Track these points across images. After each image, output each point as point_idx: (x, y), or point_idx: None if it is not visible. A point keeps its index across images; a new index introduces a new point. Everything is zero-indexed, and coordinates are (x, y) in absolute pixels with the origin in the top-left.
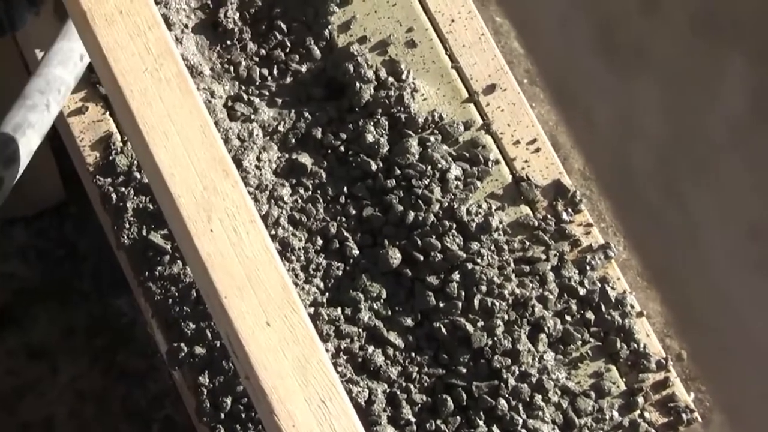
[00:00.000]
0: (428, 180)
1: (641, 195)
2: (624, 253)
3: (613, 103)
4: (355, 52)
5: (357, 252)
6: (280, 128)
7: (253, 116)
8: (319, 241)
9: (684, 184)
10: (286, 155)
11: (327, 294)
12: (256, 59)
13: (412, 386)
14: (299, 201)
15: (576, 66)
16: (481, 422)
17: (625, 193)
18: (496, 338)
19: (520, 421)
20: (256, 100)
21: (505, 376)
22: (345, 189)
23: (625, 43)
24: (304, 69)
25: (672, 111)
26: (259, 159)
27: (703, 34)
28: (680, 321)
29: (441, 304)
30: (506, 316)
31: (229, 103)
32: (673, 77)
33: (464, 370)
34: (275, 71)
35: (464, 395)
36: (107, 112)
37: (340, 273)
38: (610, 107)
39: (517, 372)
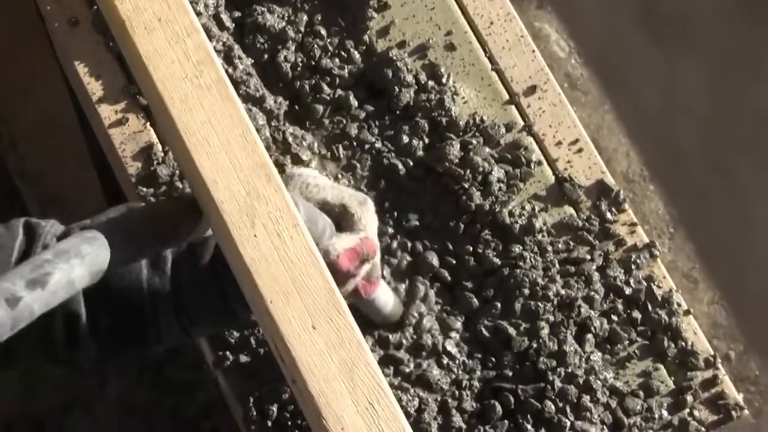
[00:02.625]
0: (469, 183)
1: (689, 179)
2: (669, 255)
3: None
4: (394, 57)
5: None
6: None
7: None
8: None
9: (732, 162)
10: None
11: None
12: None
13: (463, 393)
14: None
15: (618, 44)
16: (529, 426)
17: (673, 184)
18: (541, 340)
19: (568, 423)
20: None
21: (551, 378)
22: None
23: (668, 19)
24: (345, 73)
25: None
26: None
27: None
28: (727, 323)
29: (483, 308)
30: (552, 318)
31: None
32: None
33: (510, 374)
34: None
35: (512, 399)
36: (148, 123)
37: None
38: (655, 90)
39: (563, 373)
